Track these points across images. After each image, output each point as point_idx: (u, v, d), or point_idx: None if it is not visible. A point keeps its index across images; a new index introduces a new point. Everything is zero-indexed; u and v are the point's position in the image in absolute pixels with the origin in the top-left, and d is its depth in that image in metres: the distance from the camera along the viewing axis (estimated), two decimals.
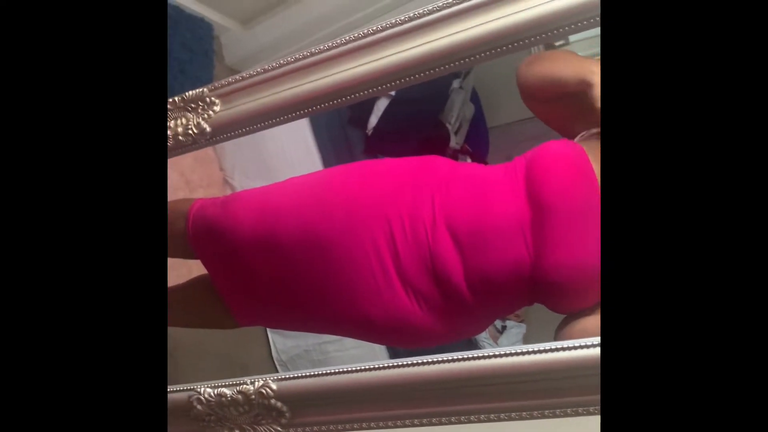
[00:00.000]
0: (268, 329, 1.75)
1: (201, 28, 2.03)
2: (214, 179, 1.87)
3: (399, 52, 0.86)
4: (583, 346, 0.71)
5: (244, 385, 0.92)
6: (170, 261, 1.51)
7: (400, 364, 0.82)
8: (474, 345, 1.56)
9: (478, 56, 0.83)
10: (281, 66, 0.93)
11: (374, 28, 0.86)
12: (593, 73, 0.83)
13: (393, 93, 1.72)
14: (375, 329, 0.92)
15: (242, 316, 1.03)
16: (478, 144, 1.72)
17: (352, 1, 1.92)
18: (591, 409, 0.72)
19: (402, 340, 0.93)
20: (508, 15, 0.80)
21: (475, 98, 1.73)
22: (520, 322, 1.47)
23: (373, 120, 1.75)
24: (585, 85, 0.83)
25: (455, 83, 1.68)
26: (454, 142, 1.68)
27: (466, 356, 0.78)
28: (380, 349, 1.14)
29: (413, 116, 1.74)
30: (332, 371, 0.86)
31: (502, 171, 0.88)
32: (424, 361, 0.80)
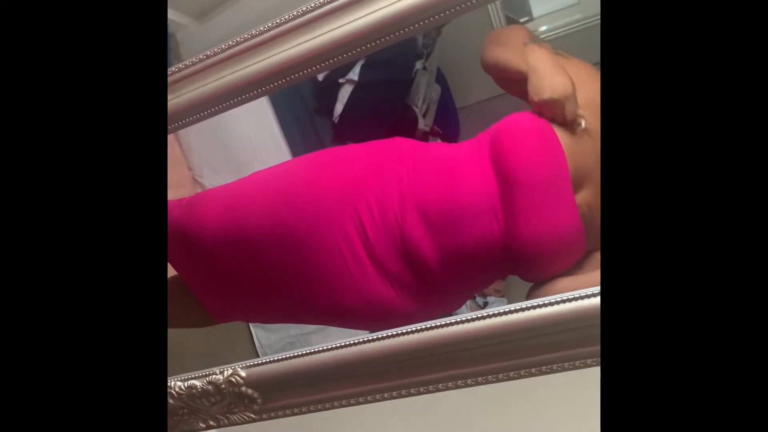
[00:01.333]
0: (250, 324, 1.74)
1: None
2: (183, 179, 1.85)
3: (334, 29, 0.86)
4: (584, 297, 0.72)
5: (214, 375, 0.92)
6: None
7: (362, 340, 0.83)
8: None
9: (407, 29, 0.84)
10: (224, 50, 0.92)
11: (310, 6, 0.86)
12: (528, 66, 0.85)
13: (356, 79, 1.71)
14: (352, 316, 0.92)
15: (219, 313, 1.03)
16: (448, 125, 1.72)
17: None
18: (589, 361, 0.73)
19: (380, 323, 0.94)
20: None
21: (441, 79, 1.73)
22: (501, 297, 1.48)
23: (339, 107, 1.74)
24: (522, 76, 0.85)
25: (418, 64, 1.68)
26: (423, 124, 1.68)
27: (428, 326, 0.80)
28: (364, 334, 1.14)
29: (379, 101, 1.73)
30: (298, 353, 0.87)
31: (467, 147, 0.88)
32: (386, 335, 0.82)
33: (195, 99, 0.95)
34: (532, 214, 0.81)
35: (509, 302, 1.54)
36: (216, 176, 1.81)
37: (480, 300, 1.54)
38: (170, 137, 1.91)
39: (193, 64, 0.94)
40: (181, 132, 1.92)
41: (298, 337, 1.75)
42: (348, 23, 0.84)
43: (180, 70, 0.95)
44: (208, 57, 0.93)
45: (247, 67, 0.91)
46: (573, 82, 0.83)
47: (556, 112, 0.83)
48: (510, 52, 0.88)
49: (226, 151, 1.83)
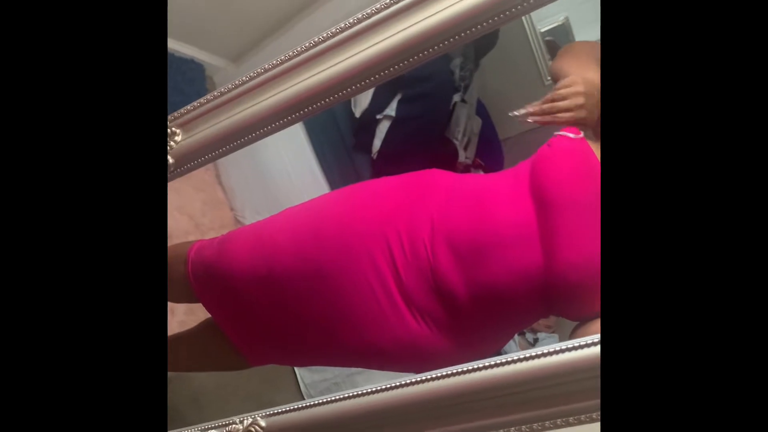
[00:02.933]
0: None
1: (192, 70, 2.04)
2: (225, 220, 1.87)
3: (345, 59, 0.84)
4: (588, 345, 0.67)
5: (233, 425, 0.89)
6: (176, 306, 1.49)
7: (386, 387, 0.79)
8: None
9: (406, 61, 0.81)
10: (236, 87, 0.91)
11: (315, 40, 0.85)
12: (584, 80, 0.83)
13: (393, 114, 1.71)
14: (385, 356, 0.89)
15: (252, 356, 1.01)
16: (491, 156, 1.70)
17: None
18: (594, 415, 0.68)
19: (414, 363, 0.90)
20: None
21: (483, 111, 1.72)
22: (552, 332, 1.44)
23: (377, 143, 1.75)
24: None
25: (456, 97, 1.67)
26: (464, 157, 1.67)
27: (456, 371, 0.74)
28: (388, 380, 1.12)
29: (417, 135, 1.73)
30: (318, 402, 0.83)
31: (505, 176, 0.86)
32: (416, 380, 0.77)
33: (209, 137, 0.95)
34: (571, 238, 0.77)
35: (560, 338, 1.49)
36: (257, 216, 1.82)
37: (530, 336, 1.49)
38: (212, 180, 1.94)
39: (208, 101, 0.94)
40: (223, 174, 1.95)
41: (342, 378, 1.73)
42: (387, 38, 0.83)
43: (195, 108, 0.95)
44: (222, 94, 0.93)
45: (260, 101, 0.91)
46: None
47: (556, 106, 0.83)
48: (576, 63, 0.87)
49: (266, 191, 1.84)
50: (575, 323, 0.82)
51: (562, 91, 0.84)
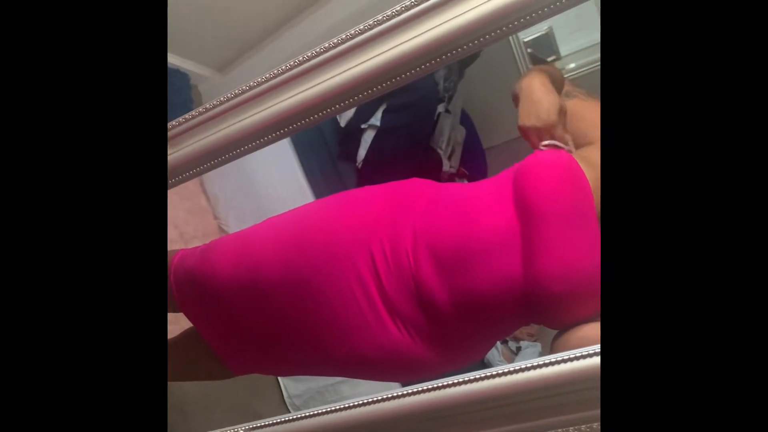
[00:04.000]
0: None
1: (177, 80, 2.03)
2: (209, 229, 1.86)
3: (329, 78, 0.85)
4: (583, 356, 0.67)
5: None
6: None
7: (369, 401, 0.79)
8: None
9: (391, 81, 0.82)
10: (223, 102, 0.92)
11: (302, 57, 0.86)
12: (519, 89, 0.86)
13: (378, 124, 1.72)
14: (367, 364, 0.89)
15: (236, 365, 1.01)
16: (475, 165, 1.71)
17: (324, 37, 1.94)
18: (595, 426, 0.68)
19: (397, 372, 0.90)
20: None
21: (467, 120, 1.74)
22: (535, 341, 1.45)
23: (362, 152, 1.75)
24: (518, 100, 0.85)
25: (440, 107, 1.68)
26: (448, 166, 1.68)
27: (441, 384, 0.75)
28: (395, 385, 1.11)
29: (402, 145, 1.74)
30: (301, 416, 0.83)
31: (488, 185, 0.86)
32: (393, 395, 0.77)
33: (195, 152, 0.95)
34: (553, 249, 0.78)
35: (543, 346, 1.49)
36: (242, 225, 1.80)
37: (513, 345, 1.50)
38: (196, 188, 1.93)
39: (193, 117, 0.94)
40: (207, 183, 1.94)
41: (327, 387, 1.72)
42: (374, 57, 0.84)
43: (180, 123, 0.95)
44: (207, 110, 0.93)
45: (246, 117, 0.91)
46: (562, 108, 0.84)
47: (538, 139, 0.83)
48: (521, 79, 0.90)
49: (251, 200, 1.84)
50: (555, 331, 0.82)
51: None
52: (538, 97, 0.84)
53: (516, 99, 0.89)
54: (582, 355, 0.67)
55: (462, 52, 0.78)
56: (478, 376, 0.73)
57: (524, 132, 0.84)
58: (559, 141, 0.84)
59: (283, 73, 0.87)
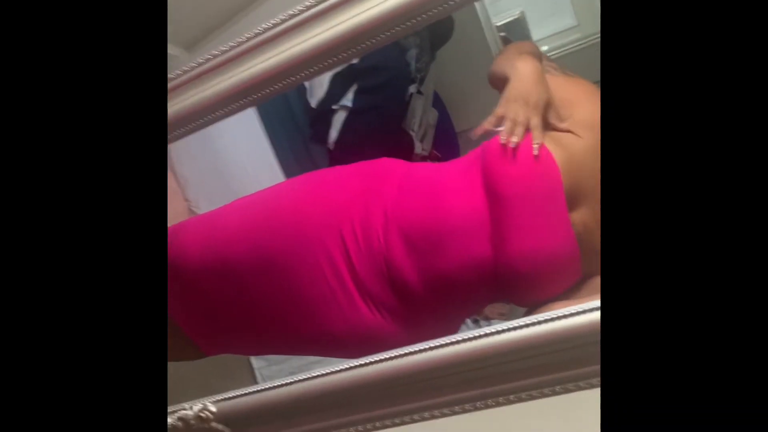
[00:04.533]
0: (250, 356, 1.71)
1: None
2: (179, 211, 1.83)
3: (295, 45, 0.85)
4: (572, 315, 0.69)
5: (183, 411, 0.89)
6: None
7: (334, 370, 0.80)
8: None
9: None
10: (185, 72, 0.92)
11: (264, 26, 0.86)
12: (512, 68, 0.84)
13: (349, 105, 1.71)
14: (339, 344, 0.90)
15: (206, 346, 1.00)
16: (447, 148, 1.71)
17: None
18: (581, 383, 0.70)
19: (369, 351, 0.91)
20: None
21: (439, 103, 1.73)
22: (505, 320, 1.46)
23: (333, 134, 1.74)
24: (505, 83, 0.84)
25: (412, 89, 1.68)
26: (420, 148, 1.68)
27: (403, 352, 0.77)
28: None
29: (373, 126, 1.73)
30: (269, 386, 0.84)
31: (457, 166, 0.87)
32: (358, 364, 0.79)
33: (176, 114, 0.95)
34: (522, 231, 0.79)
35: None
36: (212, 206, 1.79)
37: (484, 324, 1.51)
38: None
39: (170, 80, 0.94)
40: (177, 163, 1.91)
41: (299, 368, 1.72)
42: (331, 28, 0.83)
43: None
44: (170, 80, 0.92)
45: (231, 77, 0.90)
46: (550, 97, 0.82)
47: (514, 129, 0.81)
48: (504, 60, 0.87)
49: (221, 181, 1.82)
50: (525, 309, 0.84)
51: (506, 126, 0.83)
52: (530, 80, 0.83)
53: (494, 81, 0.88)
54: (571, 314, 0.68)
55: (427, 19, 0.78)
56: (447, 342, 0.74)
57: (499, 119, 0.83)
58: (536, 130, 0.82)
59: (246, 42, 0.87)
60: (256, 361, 1.76)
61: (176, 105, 0.93)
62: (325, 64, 0.85)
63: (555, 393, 0.71)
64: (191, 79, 0.92)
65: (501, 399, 0.73)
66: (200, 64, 0.90)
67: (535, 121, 0.81)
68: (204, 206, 1.84)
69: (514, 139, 0.80)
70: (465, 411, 0.75)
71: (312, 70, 0.86)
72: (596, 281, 0.82)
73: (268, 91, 0.89)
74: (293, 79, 0.87)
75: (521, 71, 0.83)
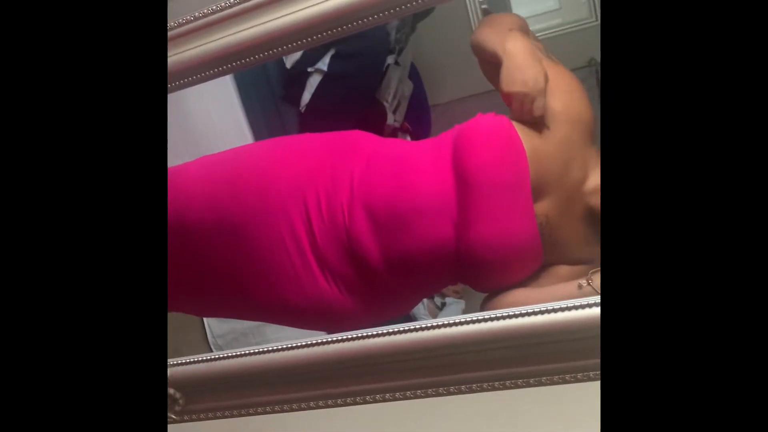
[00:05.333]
0: None
1: None
2: None
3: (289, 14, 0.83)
4: (539, 311, 0.70)
5: None
6: None
7: (291, 345, 0.81)
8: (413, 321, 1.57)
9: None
10: (190, 21, 0.89)
11: None
12: (504, 51, 0.83)
13: (325, 69, 1.68)
14: (294, 314, 0.90)
15: None
16: (419, 122, 1.70)
17: None
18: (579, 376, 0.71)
19: (323, 323, 0.91)
20: None
21: (415, 76, 1.72)
22: (460, 298, 1.48)
23: (306, 97, 1.72)
24: (498, 60, 0.83)
25: (390, 59, 1.66)
26: (392, 120, 1.67)
27: (361, 335, 0.78)
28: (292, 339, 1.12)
29: (347, 93, 1.71)
30: (225, 355, 0.84)
31: (427, 146, 0.87)
32: (323, 340, 0.79)
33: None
34: (486, 218, 0.80)
35: (467, 304, 1.53)
36: (175, 159, 1.74)
37: (438, 300, 1.53)
38: None
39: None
40: None
41: (251, 329, 1.71)
42: (319, 3, 0.81)
43: None
44: (177, 26, 0.89)
45: (209, 42, 0.88)
46: (546, 77, 0.81)
47: (524, 106, 0.81)
48: (494, 34, 0.86)
49: (186, 134, 1.78)
50: (483, 294, 0.85)
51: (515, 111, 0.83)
52: (527, 61, 0.81)
53: (480, 53, 0.87)
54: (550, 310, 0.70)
55: (412, 8, 0.77)
56: (410, 327, 0.75)
57: (510, 97, 0.82)
58: (542, 112, 0.81)
59: (228, 7, 0.84)
60: (207, 318, 1.75)
61: None
62: (305, 41, 0.83)
63: (553, 383, 0.72)
64: (169, 39, 0.88)
65: (482, 385, 0.74)
66: (179, 25, 0.87)
67: (540, 103, 0.81)
68: (168, 159, 1.80)
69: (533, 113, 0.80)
70: (419, 396, 0.76)
71: (291, 45, 0.84)
72: (557, 270, 0.83)
73: (245, 60, 0.87)
74: (272, 52, 0.85)
75: (514, 53, 0.82)
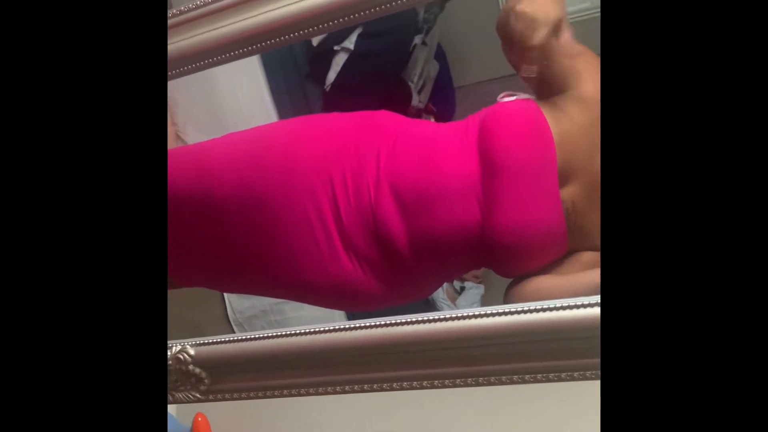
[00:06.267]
0: None
1: None
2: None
3: None
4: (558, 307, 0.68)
5: None
6: None
7: (318, 330, 0.80)
8: (432, 306, 1.57)
9: None
10: (196, 8, 0.88)
11: None
12: (565, 24, 0.80)
13: (351, 47, 1.67)
14: (316, 293, 0.90)
15: (180, 277, 1.00)
16: (443, 103, 1.69)
17: None
18: (566, 375, 0.70)
19: (344, 303, 0.91)
20: None
21: (441, 56, 1.70)
22: (479, 283, 1.48)
23: (332, 75, 1.71)
24: (557, 29, 0.80)
25: (417, 39, 1.64)
26: (417, 100, 1.65)
27: (387, 322, 0.76)
28: (339, 312, 1.13)
29: (374, 73, 1.70)
30: (250, 336, 0.84)
31: (454, 128, 0.86)
32: (348, 326, 0.78)
33: (185, 49, 0.91)
34: (512, 202, 0.79)
35: (486, 289, 1.53)
36: (200, 135, 1.76)
37: (457, 284, 1.53)
38: None
39: (188, 11, 0.89)
40: (168, 87, 1.87)
41: (271, 306, 1.73)
42: None
43: (173, 16, 0.90)
44: (202, 5, 0.89)
45: (240, 21, 0.87)
46: (562, 17, 0.78)
47: (526, 30, 0.77)
48: (547, 4, 0.83)
49: (212, 110, 1.78)
50: (507, 279, 0.84)
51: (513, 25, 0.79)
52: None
53: (502, 26, 0.84)
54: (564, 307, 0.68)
55: None
56: (430, 318, 0.74)
57: (516, 18, 0.78)
58: (536, 39, 0.78)
59: None
60: (227, 294, 1.77)
61: (182, 42, 0.90)
62: (333, 23, 0.82)
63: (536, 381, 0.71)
64: (192, 18, 0.88)
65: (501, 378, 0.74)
66: (213, 2, 0.87)
67: (542, 33, 0.77)
68: (191, 133, 1.81)
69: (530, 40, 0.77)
70: (446, 386, 0.75)
71: (324, 25, 0.82)
72: (581, 257, 0.82)
73: (272, 42, 0.86)
74: (302, 33, 0.84)
75: None
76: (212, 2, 0.87)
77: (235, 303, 1.80)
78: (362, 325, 0.77)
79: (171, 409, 1.92)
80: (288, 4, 0.83)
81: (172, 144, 1.81)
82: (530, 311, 0.70)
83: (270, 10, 0.85)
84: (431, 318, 0.74)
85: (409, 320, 0.75)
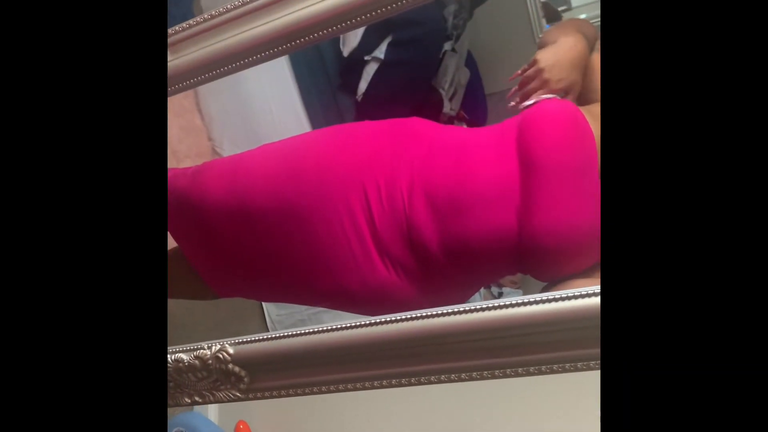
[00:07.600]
0: None
1: None
2: (202, 149, 1.84)
3: None
4: (581, 296, 0.68)
5: (201, 350, 0.90)
6: None
7: (354, 324, 0.80)
8: None
9: None
10: (228, 11, 0.89)
11: None
12: (558, 39, 0.85)
13: (382, 57, 1.68)
14: (352, 300, 0.90)
15: (219, 287, 1.01)
16: (475, 110, 1.68)
17: None
18: (591, 363, 0.69)
19: (380, 310, 0.91)
20: None
21: (471, 63, 1.70)
22: (517, 288, 1.46)
23: (363, 85, 1.72)
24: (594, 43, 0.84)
25: (447, 46, 1.64)
26: (449, 108, 1.65)
27: (424, 314, 0.76)
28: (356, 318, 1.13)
29: (404, 81, 1.70)
30: (288, 334, 0.84)
31: (490, 132, 0.85)
32: (380, 321, 0.78)
33: (210, 55, 0.93)
34: (551, 203, 0.78)
35: (524, 294, 1.51)
36: (235, 149, 1.79)
37: (495, 290, 1.52)
38: (191, 106, 1.90)
39: (198, 23, 0.91)
40: (203, 102, 1.91)
41: (309, 316, 1.75)
42: None
43: (183, 29, 0.93)
44: (212, 17, 0.90)
45: (261, 25, 0.88)
46: (573, 86, 0.84)
47: (532, 76, 0.85)
48: (559, 29, 0.89)
49: (246, 124, 1.81)
50: (543, 283, 0.83)
51: (528, 73, 0.85)
52: (566, 59, 0.85)
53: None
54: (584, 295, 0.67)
55: None
56: (465, 309, 0.74)
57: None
58: (532, 88, 0.85)
59: None
60: (266, 305, 1.79)
61: (203, 49, 0.92)
62: (362, 18, 0.82)
63: (565, 371, 0.71)
64: (219, 24, 0.90)
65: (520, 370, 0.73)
66: (243, 4, 0.88)
67: (536, 86, 0.84)
68: (227, 147, 1.85)
69: (519, 101, 0.85)
70: (483, 378, 0.75)
71: (353, 21, 0.83)
72: None
73: (301, 41, 0.87)
74: (332, 29, 0.85)
75: (563, 46, 0.85)
76: (241, 5, 0.89)
77: (274, 313, 1.82)
78: (398, 318, 0.78)
79: (212, 412, 1.94)
80: (314, 3, 0.85)
81: (209, 159, 1.84)
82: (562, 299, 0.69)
83: (297, 10, 0.86)
84: (468, 308, 0.73)
85: (445, 311, 0.75)
